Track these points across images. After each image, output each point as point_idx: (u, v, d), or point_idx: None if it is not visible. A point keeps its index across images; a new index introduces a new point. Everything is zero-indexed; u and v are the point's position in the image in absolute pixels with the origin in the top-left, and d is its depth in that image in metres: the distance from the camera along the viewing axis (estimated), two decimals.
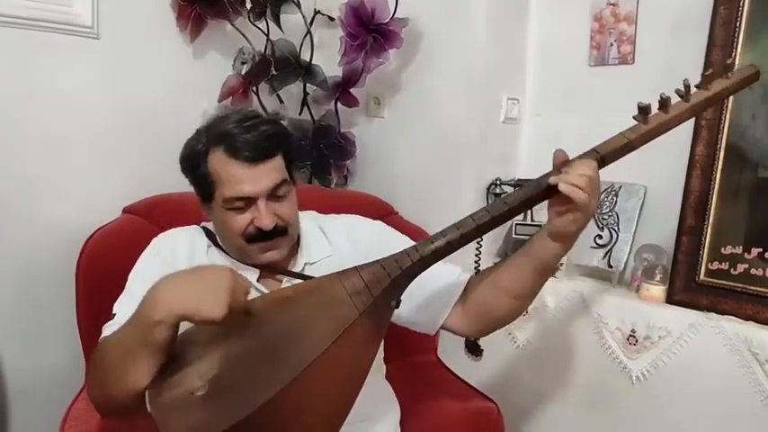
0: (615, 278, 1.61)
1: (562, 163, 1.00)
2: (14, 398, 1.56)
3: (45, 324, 1.58)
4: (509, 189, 1.80)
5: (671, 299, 1.48)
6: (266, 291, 1.15)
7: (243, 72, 1.78)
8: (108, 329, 1.04)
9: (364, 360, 0.97)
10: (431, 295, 1.16)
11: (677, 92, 1.03)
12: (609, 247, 1.62)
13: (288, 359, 0.88)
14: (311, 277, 1.14)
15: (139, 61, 1.65)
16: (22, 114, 1.49)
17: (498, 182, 1.79)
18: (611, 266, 1.60)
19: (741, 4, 1.40)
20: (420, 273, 1.01)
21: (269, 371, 0.87)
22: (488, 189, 1.80)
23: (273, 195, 1.11)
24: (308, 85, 1.90)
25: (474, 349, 1.76)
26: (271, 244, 1.13)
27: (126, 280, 1.37)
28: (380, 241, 1.21)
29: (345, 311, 0.93)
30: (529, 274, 1.08)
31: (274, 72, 1.82)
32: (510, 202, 1.00)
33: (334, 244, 1.24)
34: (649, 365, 1.46)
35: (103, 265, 1.42)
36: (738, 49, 1.41)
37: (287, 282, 1.17)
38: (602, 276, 1.65)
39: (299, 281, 1.15)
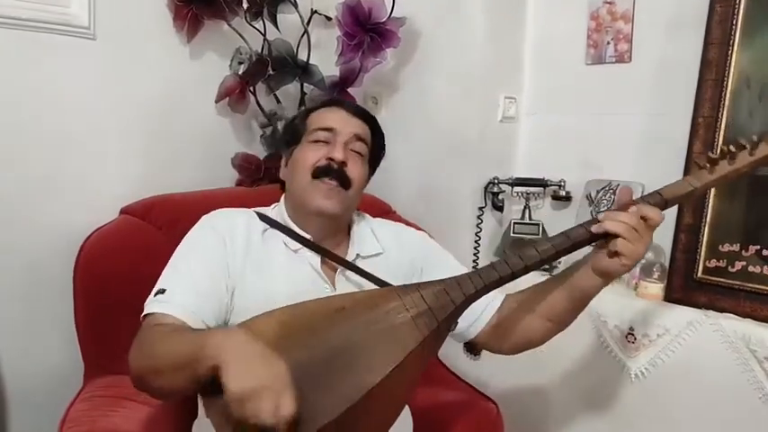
0: None
1: (624, 205, 1.03)
2: (13, 399, 1.56)
3: (43, 325, 1.58)
4: (507, 188, 1.80)
5: (669, 297, 1.49)
6: (326, 277, 1.17)
7: (240, 72, 1.77)
8: (154, 306, 1.01)
9: (416, 379, 0.99)
10: (465, 313, 1.14)
11: (741, 145, 1.04)
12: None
13: (349, 380, 0.86)
14: (365, 272, 1.16)
15: (136, 62, 1.64)
16: (19, 115, 1.48)
17: (496, 180, 1.79)
18: None
19: (737, 2, 1.41)
20: (478, 298, 1.02)
21: (329, 390, 0.85)
22: (486, 188, 1.80)
23: (351, 149, 1.19)
24: (305, 84, 1.90)
25: (473, 349, 1.75)
26: (332, 189, 1.15)
27: (123, 281, 1.38)
28: (425, 250, 1.28)
29: (409, 335, 0.92)
30: (567, 303, 1.11)
31: (271, 72, 1.81)
32: (573, 237, 1.02)
33: (383, 244, 1.26)
34: (648, 363, 1.46)
35: (101, 265, 1.41)
36: (735, 48, 1.41)
37: (341, 274, 1.19)
38: None
39: (354, 275, 1.16)
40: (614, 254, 1.00)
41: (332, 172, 1.15)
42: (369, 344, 0.91)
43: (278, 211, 1.25)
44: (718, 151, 1.05)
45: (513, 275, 1.01)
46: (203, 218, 1.18)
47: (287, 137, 1.29)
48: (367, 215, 1.34)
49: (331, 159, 1.16)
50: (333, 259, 1.19)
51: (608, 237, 1.00)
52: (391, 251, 1.25)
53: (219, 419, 0.86)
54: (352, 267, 1.19)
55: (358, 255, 1.22)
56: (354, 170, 1.18)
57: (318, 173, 1.16)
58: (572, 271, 1.09)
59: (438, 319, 0.95)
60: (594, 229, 1.01)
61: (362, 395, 0.84)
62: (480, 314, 1.20)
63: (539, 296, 1.14)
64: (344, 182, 1.16)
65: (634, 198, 1.01)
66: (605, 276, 1.05)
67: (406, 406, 1.27)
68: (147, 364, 0.94)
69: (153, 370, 0.92)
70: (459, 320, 1.15)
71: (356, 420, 0.86)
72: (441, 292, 0.97)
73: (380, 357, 0.89)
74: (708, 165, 1.05)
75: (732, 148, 1.04)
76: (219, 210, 1.21)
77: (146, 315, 1.02)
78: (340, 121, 1.20)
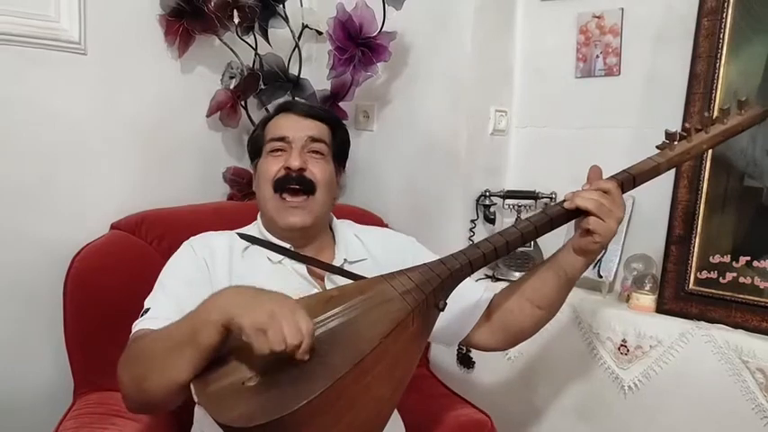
0: (605, 288, 1.61)
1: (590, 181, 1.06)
2: (1, 417, 1.53)
3: (32, 341, 1.56)
4: (498, 201, 1.80)
5: (661, 308, 1.49)
6: (315, 282, 1.17)
7: (231, 86, 1.77)
8: (142, 323, 1.02)
9: (412, 359, 0.98)
10: (457, 311, 1.17)
11: (695, 126, 1.11)
12: (598, 258, 1.62)
13: (342, 352, 0.87)
14: (353, 274, 1.16)
15: (127, 76, 1.64)
16: (9, 130, 1.47)
17: (488, 193, 1.79)
18: (600, 277, 1.61)
19: (724, 15, 1.42)
20: (465, 277, 1.04)
21: (323, 362, 0.86)
22: (478, 201, 1.80)
23: (310, 150, 1.20)
24: (296, 98, 1.90)
25: (466, 361, 1.76)
26: (296, 201, 1.16)
27: (114, 296, 1.37)
28: (414, 251, 1.28)
29: (398, 307, 0.94)
30: (553, 285, 1.12)
31: (263, 86, 1.82)
32: (549, 214, 1.05)
33: (369, 249, 1.27)
34: (641, 375, 1.46)
35: (92, 281, 1.41)
36: (722, 60, 1.43)
37: (329, 280, 1.19)
38: (591, 287, 1.65)
39: (342, 279, 1.15)
40: (586, 232, 1.02)
41: (292, 180, 1.16)
42: (357, 322, 0.94)
43: (256, 226, 1.25)
44: (678, 132, 1.11)
45: (496, 251, 1.03)
46: (184, 242, 1.20)
47: (250, 150, 1.30)
48: (351, 222, 1.35)
49: (288, 168, 1.17)
50: (318, 266, 1.19)
51: (583, 215, 1.02)
52: (379, 255, 1.26)
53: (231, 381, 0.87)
54: (339, 272, 1.19)
55: (345, 260, 1.22)
56: (316, 171, 1.19)
57: (279, 185, 1.17)
58: (557, 254, 1.12)
59: (425, 292, 0.96)
60: (566, 204, 1.03)
61: (352, 366, 0.84)
62: (472, 310, 1.21)
63: (526, 285, 1.16)
64: (308, 187, 1.17)
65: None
66: (584, 255, 1.07)
67: (400, 420, 1.26)
68: (138, 370, 0.94)
69: (145, 372, 0.92)
70: (451, 320, 1.17)
71: (346, 396, 0.85)
72: (426, 271, 1.00)
73: (369, 331, 0.90)
74: (669, 142, 1.11)
75: (687, 126, 1.12)
76: (201, 234, 1.22)
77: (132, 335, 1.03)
78: (292, 128, 1.21)
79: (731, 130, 1.13)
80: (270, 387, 0.85)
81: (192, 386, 0.90)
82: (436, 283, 0.98)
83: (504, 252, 1.05)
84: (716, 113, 1.14)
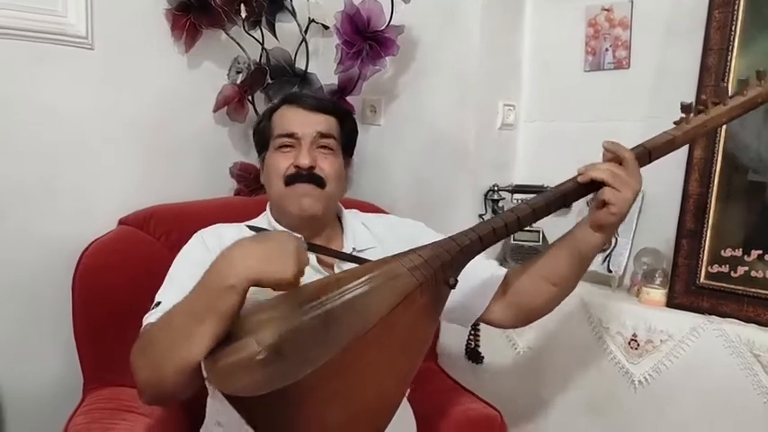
0: (615, 282, 1.61)
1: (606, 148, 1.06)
2: (11, 414, 1.54)
3: (41, 337, 1.56)
4: (507, 195, 1.80)
5: (671, 302, 1.48)
6: (325, 272, 1.17)
7: (238, 81, 1.77)
8: (153, 316, 1.01)
9: (421, 336, 0.96)
10: (470, 289, 1.17)
11: (712, 99, 1.09)
12: (608, 252, 1.61)
13: (350, 325, 0.87)
14: (364, 259, 1.16)
15: (134, 71, 1.64)
16: (16, 126, 1.47)
17: (496, 188, 1.79)
18: (610, 271, 1.60)
19: (736, 7, 1.41)
20: (477, 254, 1.01)
21: (331, 336, 0.86)
22: (486, 195, 1.80)
23: (319, 146, 1.19)
24: (303, 91, 1.89)
25: (474, 356, 1.75)
26: (307, 188, 1.16)
27: (122, 292, 1.37)
28: (424, 234, 1.25)
29: (405, 281, 0.92)
30: (568, 262, 1.11)
31: (270, 81, 1.82)
32: (562, 189, 1.03)
33: (377, 237, 1.26)
34: (651, 369, 1.45)
35: (100, 276, 1.41)
36: (734, 53, 1.41)
37: (338, 269, 1.19)
38: (601, 281, 1.65)
39: (352, 265, 1.15)
40: (602, 203, 1.01)
41: (302, 178, 1.16)
42: (365, 296, 0.92)
43: (266, 218, 1.26)
44: (694, 105, 1.10)
45: (507, 227, 1.01)
46: (195, 234, 1.19)
47: (257, 142, 1.29)
48: (357, 211, 1.35)
49: (298, 167, 1.16)
50: (329, 254, 1.20)
51: (597, 187, 1.01)
52: (387, 241, 1.25)
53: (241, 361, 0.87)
54: (350, 258, 1.19)
55: (354, 248, 1.22)
56: (326, 167, 1.18)
57: (289, 180, 1.17)
58: (573, 230, 1.11)
59: (433, 266, 0.94)
60: (580, 179, 1.02)
61: (357, 337, 0.84)
62: (486, 287, 1.20)
63: (541, 263, 1.15)
64: (318, 182, 1.17)
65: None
66: (601, 230, 1.05)
67: (411, 414, 1.26)
68: (153, 354, 0.92)
69: (162, 354, 0.91)
70: (465, 298, 1.17)
71: (353, 370, 0.84)
72: (435, 248, 0.98)
73: (376, 305, 0.89)
74: (685, 116, 1.09)
75: (705, 101, 1.10)
76: (211, 226, 1.21)
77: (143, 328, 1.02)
78: (300, 123, 1.19)
79: (750, 102, 1.10)
80: (277, 359, 0.85)
81: (202, 364, 0.89)
82: (445, 257, 0.96)
83: (515, 228, 1.02)
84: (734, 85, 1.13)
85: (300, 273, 0.90)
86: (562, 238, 1.13)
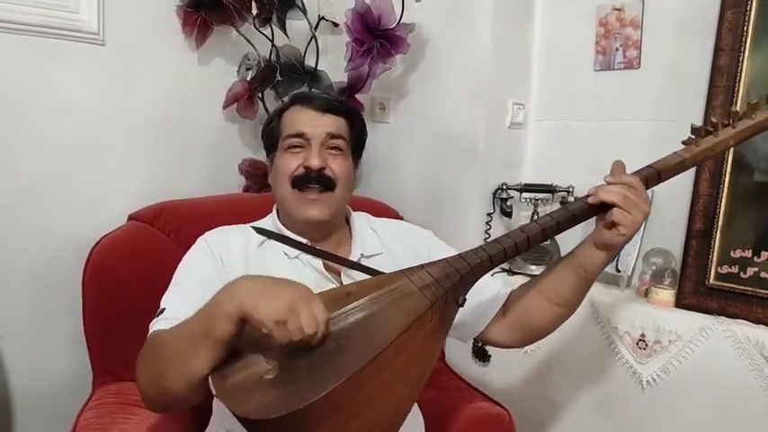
0: (623, 283, 1.61)
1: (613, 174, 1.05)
2: (22, 409, 1.55)
3: (51, 332, 1.57)
4: (515, 194, 1.80)
5: (680, 303, 1.48)
6: (331, 278, 1.16)
7: (248, 78, 1.77)
8: (158, 324, 1.02)
9: (431, 355, 0.97)
10: (471, 307, 1.16)
11: (722, 121, 1.10)
12: (617, 252, 1.61)
13: (361, 346, 0.87)
14: (370, 268, 1.15)
15: (145, 67, 1.65)
16: (28, 121, 1.48)
17: (504, 186, 1.78)
18: (618, 271, 1.60)
19: (748, 8, 1.40)
20: (485, 273, 1.02)
21: (342, 356, 0.86)
22: (494, 194, 1.80)
23: (329, 147, 1.18)
24: (313, 90, 1.90)
25: (482, 355, 1.76)
26: (315, 195, 1.15)
27: (132, 287, 1.38)
28: (430, 244, 1.27)
29: (416, 302, 0.93)
30: (571, 282, 1.11)
31: (280, 78, 1.82)
32: (572, 210, 1.04)
33: (385, 243, 1.26)
34: (660, 370, 1.45)
35: (110, 271, 1.41)
36: (746, 54, 1.41)
37: (345, 275, 1.18)
38: (609, 281, 1.65)
39: (359, 274, 1.15)
40: (612, 224, 1.01)
41: (311, 179, 1.15)
42: (376, 316, 0.93)
43: (272, 221, 1.24)
44: (704, 127, 1.10)
45: (517, 247, 1.02)
46: (199, 238, 1.19)
47: (266, 142, 1.28)
48: (368, 215, 1.34)
49: (308, 168, 1.15)
50: (335, 261, 1.19)
51: (606, 209, 1.01)
52: (395, 249, 1.25)
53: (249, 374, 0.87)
54: (356, 267, 1.18)
55: (362, 255, 1.21)
56: (335, 168, 1.18)
57: (297, 182, 1.16)
58: (576, 250, 1.10)
59: (444, 287, 0.95)
60: (591, 200, 1.02)
61: (370, 360, 0.83)
62: (488, 305, 1.20)
63: (544, 282, 1.15)
64: (328, 184, 1.16)
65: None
66: (607, 249, 1.05)
67: (420, 414, 1.26)
68: (156, 368, 0.94)
69: (163, 369, 0.92)
70: (466, 315, 1.16)
71: (364, 391, 0.85)
72: (445, 266, 0.99)
73: (387, 326, 0.90)
74: (694, 137, 1.10)
75: (716, 124, 1.10)
76: (215, 229, 1.21)
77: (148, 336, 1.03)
78: (310, 124, 1.18)
79: (759, 125, 1.10)
80: (287, 380, 0.85)
81: (210, 380, 0.90)
82: (456, 278, 0.97)
83: (525, 248, 1.03)
84: (742, 108, 1.11)
85: (286, 330, 0.84)
86: (565, 256, 1.13)
